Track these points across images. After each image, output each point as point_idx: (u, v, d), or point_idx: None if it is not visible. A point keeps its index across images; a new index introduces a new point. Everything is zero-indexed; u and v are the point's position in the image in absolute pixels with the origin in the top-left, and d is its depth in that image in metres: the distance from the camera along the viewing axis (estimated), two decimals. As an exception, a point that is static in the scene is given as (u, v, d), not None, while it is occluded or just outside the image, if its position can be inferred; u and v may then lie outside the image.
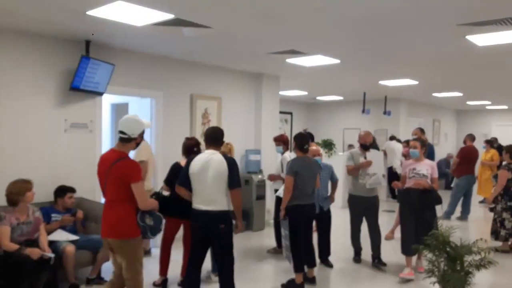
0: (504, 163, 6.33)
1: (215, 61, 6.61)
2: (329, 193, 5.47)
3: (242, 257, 5.48)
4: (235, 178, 3.71)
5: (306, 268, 4.69)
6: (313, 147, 5.33)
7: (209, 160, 3.67)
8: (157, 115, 6.07)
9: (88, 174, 5.27)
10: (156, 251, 5.35)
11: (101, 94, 5.29)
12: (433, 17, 4.10)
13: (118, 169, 3.12)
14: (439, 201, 4.97)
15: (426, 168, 4.99)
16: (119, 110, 7.61)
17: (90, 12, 3.93)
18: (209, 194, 3.63)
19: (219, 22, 4.34)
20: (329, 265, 5.45)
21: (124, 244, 3.19)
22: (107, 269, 4.79)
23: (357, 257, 5.66)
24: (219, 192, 3.65)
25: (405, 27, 4.47)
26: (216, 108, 6.86)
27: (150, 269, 5.06)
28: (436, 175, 5.01)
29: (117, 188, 3.15)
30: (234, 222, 3.83)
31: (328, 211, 5.48)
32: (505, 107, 14.53)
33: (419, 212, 4.89)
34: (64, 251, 4.10)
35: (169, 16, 4.04)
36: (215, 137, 3.84)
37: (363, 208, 5.43)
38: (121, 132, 3.23)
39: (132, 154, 5.92)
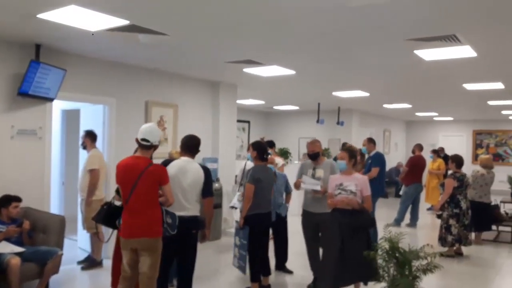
0: (450, 172, 6.66)
1: (172, 68, 6.55)
2: (284, 201, 5.53)
3: (198, 267, 5.41)
4: (209, 187, 3.92)
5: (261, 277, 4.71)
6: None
7: (185, 167, 3.77)
8: (110, 122, 5.92)
9: (36, 182, 5.06)
10: (107, 262, 5.19)
11: (51, 100, 5.09)
12: (383, 32, 4.28)
13: (152, 173, 3.39)
14: (371, 223, 4.22)
15: (355, 183, 4.10)
16: (70, 116, 7.39)
17: (41, 16, 3.79)
18: (184, 200, 3.70)
19: (175, 30, 4.32)
20: (288, 271, 5.49)
21: (155, 242, 3.42)
22: (55, 282, 4.60)
23: (312, 285, 4.89)
24: (193, 199, 3.79)
25: (357, 41, 4.65)
26: (172, 115, 6.78)
27: (102, 281, 4.92)
28: (367, 192, 4.13)
29: (150, 191, 3.41)
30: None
31: (285, 218, 5.54)
32: (451, 118, 15.35)
33: (346, 238, 4.00)
34: (9, 264, 3.90)
35: (124, 22, 3.97)
36: (192, 145, 3.96)
37: (313, 225, 4.74)
38: (144, 140, 3.48)
39: (82, 163, 5.82)
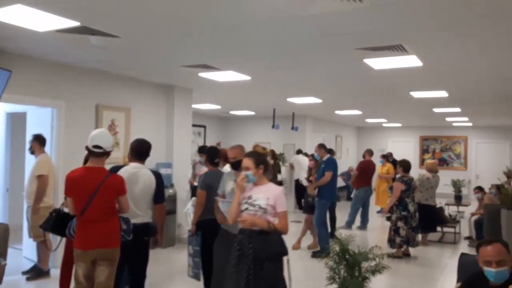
0: (398, 176, 6.94)
1: (124, 71, 6.42)
2: None
3: (151, 274, 5.31)
4: (161, 193, 3.87)
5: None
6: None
7: (136, 174, 3.71)
8: (58, 126, 5.71)
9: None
10: (55, 272, 4.99)
11: (-6, 102, 4.86)
12: (335, 41, 4.42)
13: (111, 185, 3.32)
14: (282, 251, 3.23)
15: (267, 196, 3.15)
16: (16, 119, 7.06)
17: (-16, 14, 3.62)
18: (135, 207, 3.63)
19: (128, 33, 4.25)
20: None
21: (117, 252, 3.39)
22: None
23: None
24: (144, 206, 3.74)
25: (310, 49, 4.77)
26: (124, 119, 6.64)
27: (49, 291, 4.72)
28: (282, 207, 3.16)
29: (109, 202, 3.35)
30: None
31: None
32: (399, 125, 16.01)
33: (249, 265, 3.09)
34: None
35: (74, 24, 3.86)
36: (143, 152, 3.89)
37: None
38: (96, 146, 3.32)
39: (28, 168, 5.57)
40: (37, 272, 5.24)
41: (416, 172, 8.35)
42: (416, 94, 7.94)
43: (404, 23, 3.80)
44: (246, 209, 3.21)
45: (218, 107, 11.06)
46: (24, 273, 5.30)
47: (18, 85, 5.11)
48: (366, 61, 5.20)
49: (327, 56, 5.09)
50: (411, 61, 5.13)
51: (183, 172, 7.58)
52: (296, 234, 7.51)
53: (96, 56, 5.37)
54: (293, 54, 5.01)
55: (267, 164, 3.36)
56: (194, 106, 8.55)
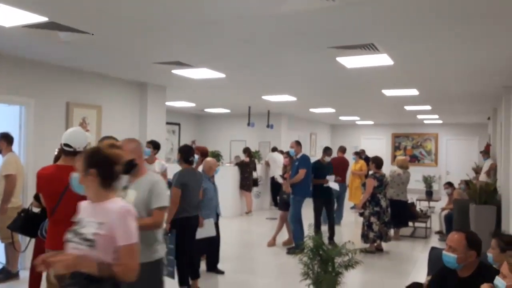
0: (370, 172, 7.06)
1: (95, 68, 6.30)
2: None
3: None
4: None
5: (190, 281, 4.68)
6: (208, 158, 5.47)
7: None
8: (27, 124, 5.55)
9: None
10: (24, 274, 4.86)
11: (-42, 99, 4.68)
12: (307, 40, 4.46)
13: None
14: None
15: (101, 221, 2.01)
16: (-18, 117, 6.82)
17: None
18: None
19: (98, 29, 4.16)
20: (219, 272, 5.52)
21: None
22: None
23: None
24: None
25: (283, 47, 4.79)
26: (95, 117, 6.51)
27: (17, 294, 4.60)
28: (125, 239, 1.98)
29: (79, 201, 3.00)
30: None
31: (218, 217, 5.56)
32: (372, 122, 16.28)
33: None
34: None
35: (42, 19, 3.76)
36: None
37: None
38: (66, 145, 3.21)
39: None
40: (5, 275, 5.09)
41: (388, 169, 8.51)
42: (388, 92, 8.08)
43: (375, 22, 3.86)
44: (70, 241, 2.11)
45: (193, 104, 10.99)
46: (-9, 275, 5.14)
47: (-16, 82, 4.94)
48: (339, 59, 5.26)
49: (301, 54, 5.12)
50: (382, 59, 5.21)
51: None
52: (271, 231, 7.55)
53: (66, 53, 5.24)
54: (267, 52, 5.02)
55: (107, 168, 2.10)
56: (168, 103, 8.47)
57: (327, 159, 7.60)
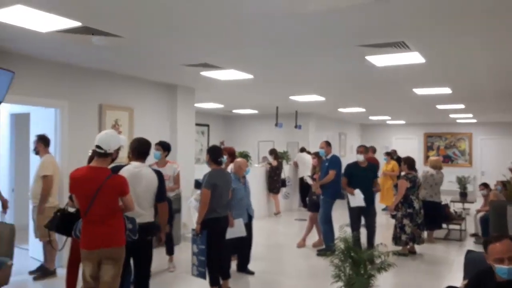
0: (403, 173, 6.91)
1: (127, 71, 6.43)
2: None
3: (156, 273, 5.34)
4: (163, 191, 3.87)
5: (221, 280, 4.70)
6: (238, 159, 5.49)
7: (138, 173, 3.70)
8: (62, 126, 5.73)
9: (-19, 190, 4.81)
10: (61, 272, 5.01)
11: (-2, 103, 4.87)
12: (336, 39, 4.41)
13: (112, 186, 3.30)
14: None
15: None
16: (20, 120, 7.09)
17: (-15, 15, 3.63)
18: (138, 206, 3.62)
19: (130, 32, 4.25)
20: (249, 272, 5.52)
21: (121, 251, 3.40)
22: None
23: None
24: (147, 205, 3.74)
25: (311, 47, 4.75)
26: (127, 119, 6.64)
27: (55, 291, 4.75)
28: None
29: (112, 202, 3.34)
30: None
31: (251, 219, 5.55)
32: (403, 122, 15.95)
33: None
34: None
35: (76, 24, 3.87)
36: (144, 151, 3.88)
37: None
38: (98, 147, 3.32)
39: (33, 168, 5.59)
40: (43, 272, 5.26)
41: (420, 170, 8.31)
42: (419, 91, 7.91)
43: (406, 19, 3.78)
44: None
45: (221, 106, 11.07)
46: (31, 272, 5.32)
47: (22, 86, 5.12)
48: (369, 58, 5.18)
49: (329, 54, 5.07)
50: (413, 57, 5.11)
51: (187, 171, 7.58)
52: (300, 232, 7.51)
53: (98, 56, 5.38)
54: (294, 52, 4.99)
55: None
56: (197, 105, 8.56)
57: (359, 157, 6.51)
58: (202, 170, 6.59)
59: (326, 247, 6.36)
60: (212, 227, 4.52)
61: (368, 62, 5.34)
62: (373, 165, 6.91)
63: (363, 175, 6.41)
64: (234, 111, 12.51)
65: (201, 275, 4.66)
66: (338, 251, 3.68)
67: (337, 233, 5.37)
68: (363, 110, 11.65)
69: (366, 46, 4.64)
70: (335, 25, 3.93)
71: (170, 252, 5.74)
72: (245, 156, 9.72)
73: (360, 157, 6.49)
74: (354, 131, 16.78)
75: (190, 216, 7.44)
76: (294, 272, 5.89)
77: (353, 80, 6.97)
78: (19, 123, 7.16)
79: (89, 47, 4.78)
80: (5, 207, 5.44)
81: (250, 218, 5.46)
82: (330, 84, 7.37)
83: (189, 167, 7.73)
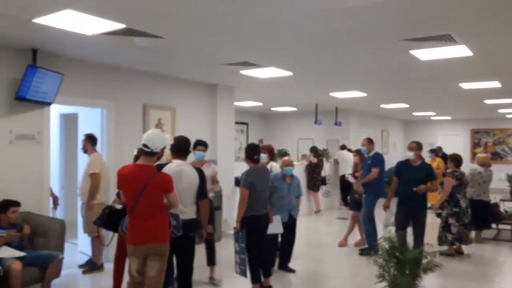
0: (449, 170, 6.68)
1: (169, 71, 6.57)
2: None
3: (198, 270, 5.41)
4: (204, 188, 3.94)
5: (262, 278, 4.72)
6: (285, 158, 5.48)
7: (179, 171, 3.77)
8: (108, 126, 5.93)
9: (35, 187, 5.06)
10: (109, 266, 5.20)
11: (49, 104, 5.10)
12: (378, 33, 4.30)
13: (158, 184, 3.39)
14: None
15: None
16: (69, 120, 7.39)
17: (37, 20, 3.80)
18: (181, 203, 3.69)
19: (171, 33, 4.33)
20: (290, 270, 5.51)
21: (166, 247, 3.48)
22: (57, 286, 4.60)
23: None
24: (189, 202, 3.82)
25: (352, 42, 4.66)
26: (170, 118, 6.79)
27: (103, 284, 4.92)
28: None
29: (157, 199, 3.42)
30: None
31: (294, 220, 5.50)
32: (449, 117, 15.39)
33: None
34: (10, 268, 3.89)
35: (120, 26, 3.99)
36: (183, 149, 3.95)
37: None
38: (145, 146, 3.41)
39: (81, 166, 5.82)
40: (92, 266, 5.47)
41: (467, 167, 7.98)
42: (466, 85, 7.61)
43: (452, 11, 3.63)
44: None
45: (260, 104, 11.09)
46: (80, 266, 5.55)
47: (70, 87, 5.34)
48: (412, 52, 5.03)
49: (371, 48, 4.96)
50: (460, 51, 4.91)
51: (227, 169, 7.66)
52: (341, 231, 7.41)
53: (141, 57, 5.52)
54: (335, 47, 4.92)
55: None
56: (236, 103, 8.62)
57: (409, 155, 5.74)
58: (242, 168, 6.65)
59: (368, 247, 6.24)
60: (251, 225, 4.54)
61: (412, 56, 5.18)
62: (427, 165, 5.99)
63: (413, 175, 5.62)
64: (273, 109, 12.50)
65: (243, 273, 4.70)
66: (382, 251, 3.60)
67: (380, 233, 5.27)
68: (406, 106, 11.33)
69: (410, 40, 4.51)
70: (377, 19, 3.84)
71: (211, 261, 5.19)
72: (284, 154, 9.69)
73: (410, 154, 5.71)
74: (397, 128, 16.36)
75: (230, 213, 7.55)
76: (336, 271, 5.82)
77: (396, 75, 6.79)
78: (68, 123, 7.47)
79: (133, 48, 4.92)
80: (55, 203, 5.70)
81: (291, 218, 5.39)
82: (372, 79, 7.22)
83: (229, 165, 7.80)
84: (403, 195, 5.63)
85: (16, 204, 4.47)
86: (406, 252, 3.53)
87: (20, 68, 4.73)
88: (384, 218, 6.28)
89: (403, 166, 5.86)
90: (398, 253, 3.52)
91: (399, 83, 7.60)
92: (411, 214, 5.57)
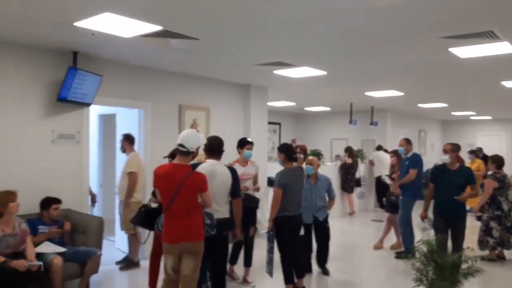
0: (489, 172, 6.43)
1: (203, 72, 6.64)
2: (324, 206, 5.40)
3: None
4: (237, 187, 3.96)
5: (295, 279, 4.69)
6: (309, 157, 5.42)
7: (213, 170, 3.80)
8: (145, 126, 6.05)
9: (75, 185, 5.23)
10: (145, 263, 5.30)
11: (88, 105, 5.26)
12: (416, 30, 4.18)
13: (192, 183, 3.43)
14: None
15: None
16: (107, 120, 7.60)
17: (77, 24, 3.93)
18: (214, 202, 3.73)
19: (206, 34, 4.37)
20: (325, 272, 5.45)
21: (201, 245, 3.52)
22: (95, 282, 4.74)
23: None
24: (222, 201, 3.85)
25: (389, 40, 4.56)
26: (204, 118, 6.87)
27: (140, 281, 5.02)
28: None
29: (192, 198, 3.47)
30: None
31: (321, 222, 5.39)
32: (489, 117, 14.81)
33: None
34: (52, 263, 4.03)
35: (157, 28, 4.06)
36: (215, 148, 3.98)
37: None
38: (181, 145, 3.48)
39: (119, 165, 5.97)
40: (128, 263, 5.60)
41: (509, 169, 7.66)
42: (508, 84, 7.30)
43: (496, 6, 3.48)
44: None
45: (293, 104, 11.04)
46: (117, 263, 5.70)
47: (109, 89, 5.49)
48: (452, 50, 4.87)
49: (408, 46, 4.84)
50: (503, 48, 4.71)
51: (260, 169, 7.64)
52: (376, 233, 7.27)
53: (177, 59, 5.60)
54: (371, 46, 4.82)
55: None
56: (269, 103, 8.61)
57: (444, 158, 5.15)
58: (274, 168, 6.62)
59: (405, 250, 6.10)
60: (283, 225, 4.53)
61: (452, 54, 5.01)
62: (466, 168, 5.49)
63: (451, 180, 5.02)
64: (306, 108, 12.41)
65: (270, 273, 4.68)
66: (420, 254, 3.50)
67: (417, 236, 5.11)
68: (445, 105, 10.99)
69: (450, 38, 4.36)
70: (415, 16, 3.73)
71: (247, 263, 5.19)
72: (318, 154, 9.60)
73: (445, 158, 5.12)
74: (435, 128, 15.90)
75: (263, 213, 7.54)
76: (371, 274, 5.71)
77: (435, 74, 6.60)
78: (106, 123, 7.69)
79: (169, 50, 5.00)
80: (94, 201, 5.87)
81: (316, 220, 5.31)
82: (409, 78, 7.04)
83: (262, 165, 7.78)
84: (440, 203, 5.09)
85: (58, 201, 4.64)
86: (446, 256, 3.41)
87: (61, 70, 4.90)
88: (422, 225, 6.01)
89: (440, 171, 5.25)
90: (437, 257, 3.41)
91: (437, 81, 7.39)
92: (449, 223, 5.07)
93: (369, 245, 6.92)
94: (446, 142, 5.81)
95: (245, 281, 5.12)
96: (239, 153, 5.17)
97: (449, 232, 5.03)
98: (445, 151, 5.19)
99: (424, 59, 5.51)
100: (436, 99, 9.97)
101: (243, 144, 5.13)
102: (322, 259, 5.53)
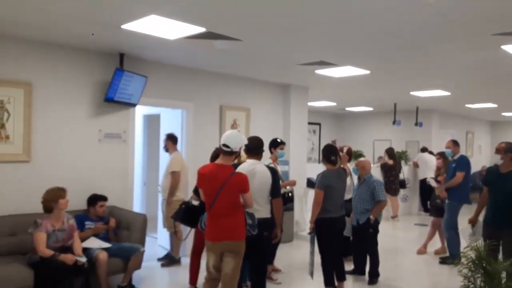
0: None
1: (244, 73, 6.67)
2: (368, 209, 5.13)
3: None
4: (277, 187, 3.98)
5: (336, 282, 4.62)
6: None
7: (253, 170, 3.82)
8: (187, 126, 6.16)
9: (120, 183, 5.39)
10: (185, 260, 5.40)
11: (134, 105, 5.41)
12: (465, 28, 4.02)
13: (234, 183, 3.47)
14: None
15: None
16: (151, 121, 7.81)
17: (125, 26, 4.05)
18: (255, 202, 3.74)
19: (248, 35, 4.39)
20: (373, 281, 5.17)
21: (242, 244, 3.55)
22: (138, 277, 4.87)
23: None
24: (262, 201, 3.86)
25: (435, 38, 4.40)
26: (244, 119, 6.90)
27: (180, 278, 5.11)
28: None
29: (234, 198, 3.50)
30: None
31: (365, 226, 5.10)
32: (543, 118, 14.01)
33: None
34: (97, 258, 4.18)
35: (201, 30, 4.12)
36: (255, 148, 4.01)
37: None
38: (225, 145, 3.52)
39: (162, 164, 6.11)
40: (170, 260, 5.72)
41: None
42: None
43: (555, 0, 3.29)
44: None
45: (334, 104, 10.88)
46: (159, 259, 5.82)
47: (153, 90, 5.63)
48: (504, 47, 4.64)
49: (457, 44, 4.65)
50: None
51: (299, 170, 7.62)
52: (420, 237, 7.05)
53: (219, 60, 5.66)
54: (417, 44, 4.67)
55: None
56: (309, 103, 8.54)
57: (497, 158, 4.76)
58: (314, 169, 6.55)
59: (450, 255, 5.87)
60: (324, 227, 4.48)
61: (504, 52, 4.78)
62: None
63: (500, 184, 4.53)
64: (347, 108, 12.21)
65: (310, 274, 4.65)
66: (467, 261, 3.36)
67: (463, 241, 4.89)
68: (494, 105, 10.50)
69: (503, 35, 4.15)
70: (466, 13, 3.58)
71: (270, 260, 5.23)
72: (359, 155, 9.42)
73: (498, 158, 4.70)
74: (483, 129, 15.22)
75: (302, 214, 7.49)
76: (414, 280, 5.53)
77: (485, 73, 6.31)
78: (151, 123, 7.89)
79: (211, 51, 5.06)
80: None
81: (357, 223, 5.16)
82: (457, 77, 6.77)
83: (301, 166, 7.75)
84: (490, 209, 4.60)
85: (104, 198, 4.80)
86: (496, 263, 3.25)
87: (108, 72, 5.08)
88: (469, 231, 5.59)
89: (491, 173, 4.81)
90: (487, 264, 3.25)
91: (487, 81, 7.06)
92: (500, 231, 4.39)
93: (412, 249, 6.71)
94: (495, 144, 5.44)
95: (268, 278, 5.07)
96: (272, 152, 5.33)
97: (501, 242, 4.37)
98: (497, 151, 4.81)
99: (474, 57, 5.29)
100: (485, 99, 9.54)
101: (277, 144, 5.31)
102: (371, 270, 5.22)
